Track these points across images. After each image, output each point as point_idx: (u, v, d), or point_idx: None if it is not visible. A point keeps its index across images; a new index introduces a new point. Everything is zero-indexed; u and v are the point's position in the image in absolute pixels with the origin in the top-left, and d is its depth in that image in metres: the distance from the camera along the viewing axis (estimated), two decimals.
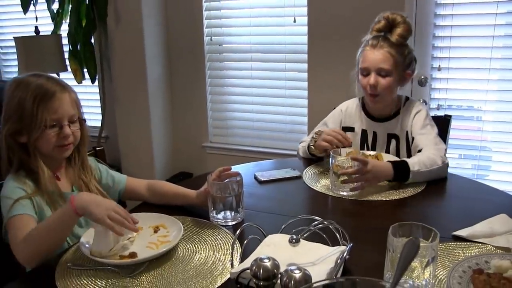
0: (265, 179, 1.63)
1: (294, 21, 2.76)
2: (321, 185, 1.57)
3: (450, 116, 1.95)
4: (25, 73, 1.35)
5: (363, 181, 1.46)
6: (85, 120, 1.39)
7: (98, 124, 3.22)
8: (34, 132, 1.26)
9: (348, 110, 1.86)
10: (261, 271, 0.85)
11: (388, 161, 1.53)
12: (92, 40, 3.09)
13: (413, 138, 1.70)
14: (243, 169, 1.66)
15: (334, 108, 1.98)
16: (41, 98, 1.26)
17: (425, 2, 2.44)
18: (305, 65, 2.79)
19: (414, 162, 1.52)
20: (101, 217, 1.09)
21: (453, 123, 2.03)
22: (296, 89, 2.91)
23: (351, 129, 1.84)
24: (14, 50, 3.14)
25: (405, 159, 1.55)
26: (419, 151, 1.62)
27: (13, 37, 3.03)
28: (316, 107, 2.79)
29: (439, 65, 2.48)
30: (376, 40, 1.68)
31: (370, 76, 1.68)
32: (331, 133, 1.65)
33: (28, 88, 1.27)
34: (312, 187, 1.56)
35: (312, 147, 1.73)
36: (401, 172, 1.50)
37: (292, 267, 0.83)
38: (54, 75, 3.03)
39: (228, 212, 1.29)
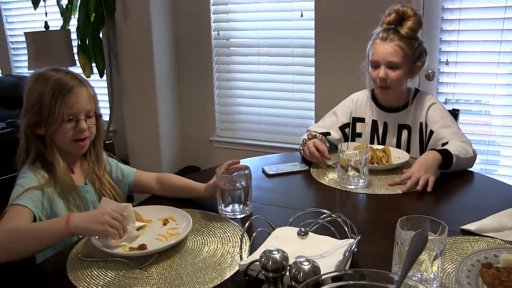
0: (273, 173, 1.64)
1: (301, 15, 2.76)
2: (329, 178, 1.57)
3: (458, 110, 1.95)
4: (45, 67, 1.36)
5: (422, 182, 1.44)
6: (101, 116, 1.41)
7: (106, 118, 3.24)
8: (51, 125, 1.29)
9: (358, 101, 1.87)
10: (270, 263, 0.85)
11: (432, 149, 1.56)
12: (101, 35, 3.10)
13: (431, 131, 1.70)
14: (250, 163, 1.66)
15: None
16: (59, 92, 1.28)
17: None
18: (312, 60, 2.79)
19: (452, 149, 1.53)
20: (103, 230, 1.09)
21: (461, 118, 2.02)
22: (303, 83, 2.91)
23: (362, 120, 1.85)
24: (24, 45, 3.18)
25: (443, 147, 1.57)
26: (445, 143, 1.62)
27: (24, 32, 3.06)
28: (323, 102, 2.78)
29: (447, 59, 2.46)
30: (386, 33, 1.68)
31: (380, 69, 1.69)
32: (311, 148, 1.66)
33: (47, 82, 1.30)
34: (320, 180, 1.56)
35: (301, 150, 1.75)
36: (445, 157, 1.50)
37: (301, 259, 0.84)
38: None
39: (236, 205, 1.30)
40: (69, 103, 1.29)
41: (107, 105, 3.34)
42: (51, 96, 1.27)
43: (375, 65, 1.71)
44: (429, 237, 0.85)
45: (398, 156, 1.67)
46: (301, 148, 1.75)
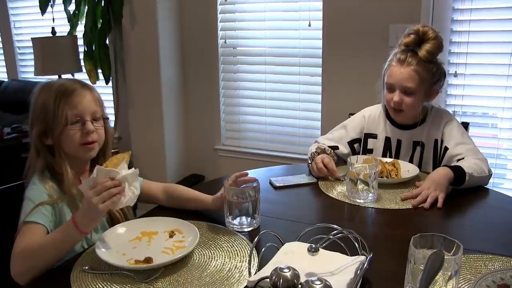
0: (280, 185, 1.61)
1: (309, 25, 2.75)
2: (337, 192, 1.55)
3: (467, 123, 1.92)
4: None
5: (430, 200, 1.42)
6: (108, 118, 1.38)
7: (111, 124, 3.23)
8: (56, 129, 1.27)
9: (371, 117, 1.83)
10: (281, 281, 0.83)
11: (444, 165, 1.54)
12: (107, 42, 3.10)
13: (445, 147, 1.67)
14: (257, 174, 1.64)
15: (350, 114, 1.96)
16: (62, 95, 1.28)
17: (442, 8, 2.41)
18: (319, 70, 2.77)
19: (466, 166, 1.50)
20: (103, 210, 1.11)
21: (470, 131, 2.00)
22: (310, 93, 2.89)
23: (374, 136, 1.81)
24: (31, 50, 3.18)
25: (457, 163, 1.54)
26: (460, 159, 1.60)
27: (31, 38, 3.07)
28: (330, 112, 2.77)
29: (456, 71, 2.44)
30: (404, 55, 1.63)
31: (395, 93, 1.65)
32: (319, 165, 1.64)
33: (51, 89, 1.30)
34: (328, 194, 1.54)
35: (309, 163, 1.73)
36: (457, 174, 1.48)
37: (313, 278, 0.81)
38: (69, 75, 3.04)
39: (244, 218, 1.28)
40: (72, 103, 1.28)
41: (112, 111, 3.34)
42: (54, 100, 1.27)
43: (390, 87, 1.67)
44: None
45: (407, 169, 1.64)
46: (310, 161, 1.73)
